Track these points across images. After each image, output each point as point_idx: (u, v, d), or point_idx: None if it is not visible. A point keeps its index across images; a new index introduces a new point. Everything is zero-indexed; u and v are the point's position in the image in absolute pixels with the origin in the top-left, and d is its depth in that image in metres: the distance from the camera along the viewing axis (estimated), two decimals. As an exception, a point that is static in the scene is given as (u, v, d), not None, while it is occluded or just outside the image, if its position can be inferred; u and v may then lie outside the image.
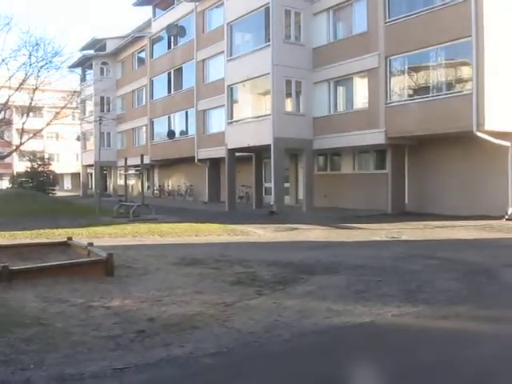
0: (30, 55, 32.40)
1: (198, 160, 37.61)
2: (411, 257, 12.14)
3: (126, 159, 29.62)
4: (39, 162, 50.95)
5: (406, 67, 23.56)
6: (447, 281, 9.36)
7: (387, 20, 23.68)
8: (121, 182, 48.71)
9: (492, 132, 19.99)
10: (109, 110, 50.33)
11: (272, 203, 26.55)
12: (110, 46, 51.94)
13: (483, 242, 15.12)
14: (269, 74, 26.61)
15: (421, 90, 23.18)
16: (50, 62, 33.21)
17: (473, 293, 8.62)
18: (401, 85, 23.98)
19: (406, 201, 24.85)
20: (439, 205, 23.13)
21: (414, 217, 22.08)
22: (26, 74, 32.64)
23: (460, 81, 21.86)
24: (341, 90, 27.56)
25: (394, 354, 5.75)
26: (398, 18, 23.18)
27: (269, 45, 26.73)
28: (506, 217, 20.41)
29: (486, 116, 19.70)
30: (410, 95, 23.54)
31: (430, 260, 11.61)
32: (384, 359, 5.55)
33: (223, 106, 30.86)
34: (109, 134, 53.04)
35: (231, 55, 29.65)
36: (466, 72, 21.31)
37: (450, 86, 21.96)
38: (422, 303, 7.68)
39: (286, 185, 29.67)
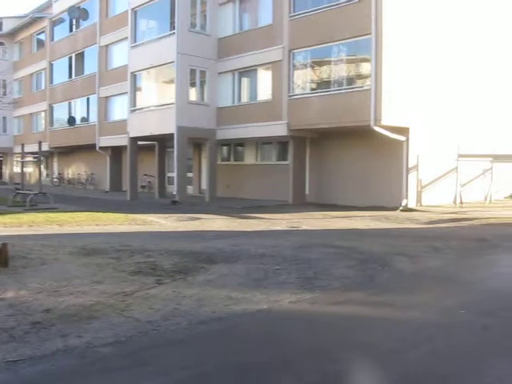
0: None
1: (100, 148, 36.72)
2: (310, 246, 12.44)
3: (22, 145, 28.49)
4: None
5: (309, 61, 24.04)
6: (343, 268, 9.68)
7: (292, 14, 24.06)
8: (17, 169, 46.68)
9: (388, 127, 20.84)
10: (5, 94, 47.96)
11: (175, 193, 26.38)
12: (7, 26, 49.58)
13: (379, 232, 15.72)
14: (173, 62, 26.36)
15: (323, 84, 23.73)
16: None
17: (367, 280, 8.96)
18: (304, 78, 24.46)
19: (307, 192, 25.47)
20: (339, 196, 23.87)
21: (314, 207, 22.65)
22: None
23: (360, 76, 22.55)
24: (245, 81, 27.75)
25: (289, 339, 5.87)
26: (303, 13, 23.60)
27: (174, 33, 26.46)
28: (401, 208, 21.38)
29: (383, 111, 20.50)
30: (312, 89, 24.04)
31: (328, 249, 11.94)
32: (278, 344, 5.67)
33: (126, 93, 30.24)
34: (4, 118, 50.74)
35: (135, 42, 29.11)
36: (365, 68, 22.01)
37: (350, 81, 22.61)
38: (318, 290, 7.93)
39: (190, 174, 29.57)
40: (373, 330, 6.17)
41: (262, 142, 28.24)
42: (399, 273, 9.72)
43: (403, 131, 21.46)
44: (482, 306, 7.38)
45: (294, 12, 24.02)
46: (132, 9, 29.10)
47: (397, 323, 6.51)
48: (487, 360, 5.24)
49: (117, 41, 34.26)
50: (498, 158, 24.44)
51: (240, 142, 29.21)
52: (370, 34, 20.78)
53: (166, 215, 19.74)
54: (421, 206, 22.44)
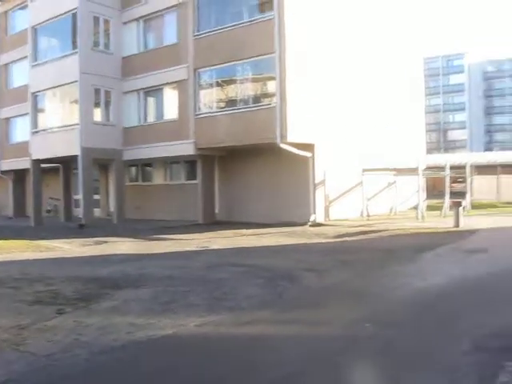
0: None
1: (2, 172, 35.05)
2: (220, 265, 12.31)
3: None
4: None
5: (215, 80, 24.04)
6: (253, 287, 9.61)
7: (196, 33, 24.00)
8: None
9: (294, 143, 21.12)
10: None
11: (81, 216, 25.55)
12: None
13: (288, 248, 15.83)
14: (76, 81, 25.62)
15: (229, 103, 23.79)
16: None
17: (275, 297, 8.93)
18: (210, 97, 24.44)
19: (217, 210, 25.33)
20: (249, 213, 23.86)
21: (224, 226, 22.54)
22: None
23: (266, 95, 22.78)
24: (151, 100, 27.40)
25: (189, 367, 5.69)
26: (207, 32, 23.61)
27: (76, 52, 25.77)
28: (309, 223, 21.67)
29: (288, 128, 20.75)
30: (219, 107, 24.04)
31: (238, 267, 11.85)
32: (177, 374, 5.48)
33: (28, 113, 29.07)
34: None
35: (36, 60, 28.09)
36: (271, 86, 22.26)
37: (256, 99, 22.79)
38: (225, 311, 7.79)
39: (97, 197, 28.73)
40: (278, 350, 6.09)
41: (170, 162, 27.90)
42: (307, 288, 9.76)
43: (309, 147, 21.84)
44: (387, 317, 7.51)
45: (198, 31, 23.97)
46: (32, 26, 28.11)
47: (303, 340, 6.47)
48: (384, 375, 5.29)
49: (17, 59, 32.87)
50: (400, 171, 25.35)
51: (148, 162, 28.73)
52: (274, 52, 21.05)
53: (72, 240, 19.04)
54: (329, 220, 22.86)
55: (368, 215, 23.68)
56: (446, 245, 15.27)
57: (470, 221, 21.42)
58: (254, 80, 23.06)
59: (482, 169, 41.70)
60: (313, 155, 22.07)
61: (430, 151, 64.61)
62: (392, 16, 28.30)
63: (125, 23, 27.32)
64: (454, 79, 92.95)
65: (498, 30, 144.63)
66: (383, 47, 27.15)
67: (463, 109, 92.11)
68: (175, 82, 25.11)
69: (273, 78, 21.66)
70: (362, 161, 23.80)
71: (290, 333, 6.81)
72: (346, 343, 6.31)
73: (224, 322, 7.28)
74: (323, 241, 17.28)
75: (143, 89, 26.69)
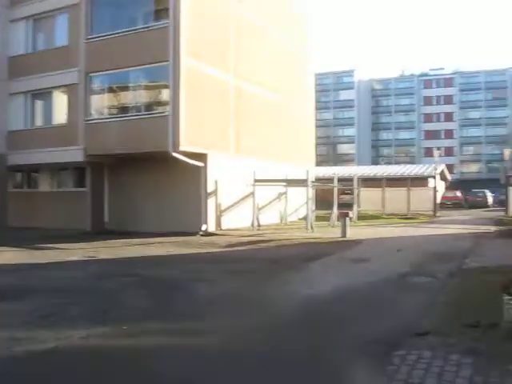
0: None
1: None
2: (107, 276, 12.01)
3: None
4: None
5: (107, 85, 23.55)
6: (140, 298, 9.47)
7: (89, 36, 23.37)
8: None
9: (187, 153, 21.02)
10: None
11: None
12: None
13: (179, 258, 15.70)
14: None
15: (121, 109, 23.35)
16: None
17: (163, 308, 8.83)
18: (102, 102, 23.89)
19: (106, 219, 24.69)
20: (140, 223, 23.45)
21: (113, 235, 21.98)
22: None
23: (159, 103, 22.55)
24: (39, 103, 26.37)
25: (70, 379, 5.52)
26: (100, 36, 23.04)
27: (-43, 49, 24.35)
28: (201, 233, 21.66)
29: (181, 138, 20.61)
30: (110, 113, 23.54)
31: (126, 278, 11.62)
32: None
33: None
34: None
35: None
36: (164, 94, 22.07)
37: (149, 107, 22.52)
38: (111, 323, 7.62)
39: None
40: (164, 362, 6.03)
41: (58, 168, 26.86)
42: (196, 298, 9.74)
43: (202, 157, 21.84)
44: (273, 325, 7.64)
45: (91, 34, 23.35)
46: None
47: (190, 351, 6.44)
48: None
49: None
50: (291, 182, 25.91)
51: (35, 168, 27.52)
52: (168, 60, 20.90)
53: None
54: (220, 230, 22.94)
55: (259, 225, 24.02)
56: (333, 254, 15.78)
57: (357, 231, 22.30)
58: (148, 87, 22.81)
59: (369, 181, 43.61)
60: (205, 165, 22.08)
61: (320, 163, 66.64)
62: (286, 31, 29.06)
63: (12, 21, 26.12)
64: (344, 95, 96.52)
65: (384, 50, 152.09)
66: (276, 60, 27.80)
67: (352, 124, 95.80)
68: (65, 85, 24.28)
69: (166, 87, 21.49)
70: (255, 171, 24.11)
71: (176, 344, 6.75)
72: (233, 352, 6.35)
73: (109, 334, 7.11)
74: (214, 250, 17.31)
75: (31, 91, 25.63)
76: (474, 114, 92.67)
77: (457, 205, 51.03)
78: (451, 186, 60.48)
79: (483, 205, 49.66)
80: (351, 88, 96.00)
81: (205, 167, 22.12)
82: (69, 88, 24.17)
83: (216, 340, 6.86)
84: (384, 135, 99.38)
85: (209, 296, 9.93)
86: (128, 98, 23.28)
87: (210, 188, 22.49)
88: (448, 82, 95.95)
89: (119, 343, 6.79)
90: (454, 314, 7.86)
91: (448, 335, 6.70)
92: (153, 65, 21.78)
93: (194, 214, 22.21)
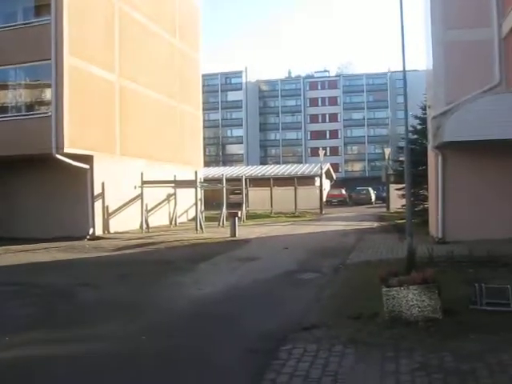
0: None
1: None
2: (-14, 285, 11.44)
3: None
4: None
5: (-16, 84, 22.35)
6: (25, 306, 9.13)
7: (-38, 32, 22.05)
8: None
9: (72, 155, 20.34)
10: None
11: None
12: None
13: (64, 263, 15.22)
14: None
15: (1, 109, 22.20)
16: None
17: (48, 316, 8.55)
18: (-21, 102, 22.62)
19: (-14, 225, 23.41)
20: (24, 228, 22.32)
21: (-7, 242, 20.86)
22: None
23: (41, 103, 21.69)
24: None
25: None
26: (-25, 31, 21.82)
27: None
28: (88, 237, 21.06)
29: (65, 139, 19.91)
30: (-11, 113, 22.35)
31: (7, 286, 11.13)
32: None
33: None
34: None
35: None
36: (47, 94, 21.24)
37: (31, 107, 21.61)
38: (-8, 334, 7.26)
39: None
40: (52, 372, 5.84)
41: None
42: (85, 304, 9.51)
43: (87, 159, 21.23)
44: (164, 328, 7.65)
45: (-36, 30, 22.05)
46: None
47: (80, 358, 6.29)
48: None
49: None
50: (179, 183, 25.81)
51: None
52: (50, 59, 20.14)
53: None
54: (109, 233, 22.44)
55: (148, 227, 23.71)
56: (222, 254, 15.92)
57: (246, 230, 22.62)
58: (29, 86, 21.91)
59: (257, 181, 44.34)
60: (91, 167, 21.48)
61: (209, 164, 66.89)
62: (174, 31, 28.94)
63: None
64: (232, 96, 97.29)
65: (272, 51, 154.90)
66: (164, 60, 27.62)
67: (240, 124, 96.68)
68: None
69: (49, 86, 20.71)
70: (142, 173, 23.80)
71: (64, 352, 6.54)
72: (124, 358, 6.28)
73: (-9, 345, 6.78)
74: (101, 254, 16.90)
75: None
76: (358, 115, 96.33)
77: (342, 202, 52.98)
78: (336, 184, 62.73)
79: (367, 202, 51.85)
80: (239, 89, 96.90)
81: (91, 169, 21.52)
82: None
83: (106, 346, 6.74)
84: (272, 135, 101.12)
85: (97, 301, 9.71)
86: (8, 97, 22.19)
87: (96, 191, 21.91)
88: (332, 84, 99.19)
89: (2, 355, 6.47)
90: (339, 307, 8.19)
91: (332, 327, 6.98)
92: (34, 63, 20.90)
93: (80, 218, 21.55)
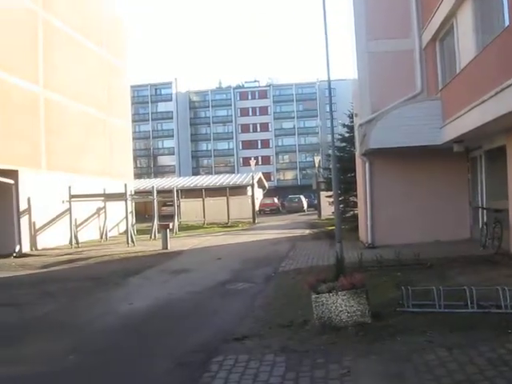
0: None
1: None
2: None
3: None
4: None
5: None
6: None
7: None
8: None
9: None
10: None
11: None
12: None
13: (-12, 283, 14.59)
14: None
15: None
16: None
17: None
18: None
19: None
20: None
21: None
22: None
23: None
24: None
25: None
26: None
27: None
28: (14, 254, 20.34)
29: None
30: None
31: None
32: None
33: None
34: None
35: None
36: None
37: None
38: None
39: None
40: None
41: None
42: (7, 325, 9.11)
43: (12, 173, 20.53)
44: (92, 346, 7.44)
45: None
46: None
47: (5, 382, 6.02)
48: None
49: None
50: (109, 197, 25.36)
51: None
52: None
53: None
54: (36, 250, 21.74)
55: (77, 242, 23.13)
56: (154, 267, 15.69)
57: (178, 242, 22.44)
58: None
59: (190, 192, 44.06)
60: (16, 182, 20.79)
61: (140, 176, 66.19)
62: (101, 42, 28.50)
63: None
64: (163, 107, 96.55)
65: (201, 62, 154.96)
66: (91, 71, 27.11)
67: (172, 135, 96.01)
68: None
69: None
70: (70, 187, 23.24)
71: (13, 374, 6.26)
72: (49, 378, 6.05)
73: None
74: (28, 272, 16.28)
75: None
76: (288, 124, 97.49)
77: (275, 211, 53.49)
78: (269, 193, 63.17)
79: (299, 209, 52.50)
80: (169, 100, 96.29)
81: (16, 184, 20.83)
82: None
83: (31, 367, 6.50)
84: (203, 146, 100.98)
85: (20, 321, 9.33)
86: None
87: (22, 206, 21.21)
88: (262, 93, 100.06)
89: None
90: (271, 315, 8.19)
91: (264, 337, 6.97)
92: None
93: (5, 235, 20.76)
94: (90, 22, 27.58)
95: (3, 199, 20.93)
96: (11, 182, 20.58)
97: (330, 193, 27.35)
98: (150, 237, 25.25)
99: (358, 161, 18.31)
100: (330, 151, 35.54)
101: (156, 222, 25.86)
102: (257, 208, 43.71)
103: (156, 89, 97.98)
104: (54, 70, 23.68)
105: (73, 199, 23.41)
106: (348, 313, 7.01)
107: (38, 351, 7.27)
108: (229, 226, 33.93)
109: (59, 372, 6.30)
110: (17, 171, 20.86)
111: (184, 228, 31.97)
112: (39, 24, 22.93)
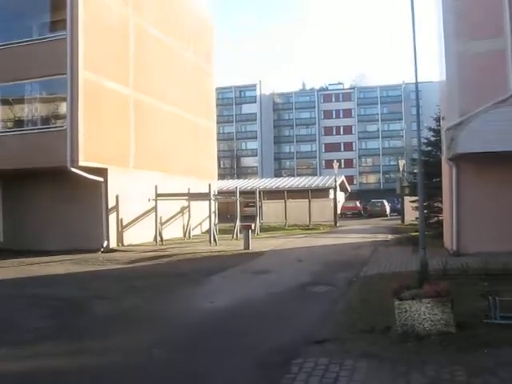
0: None
1: None
2: (1, 297, 11.51)
3: None
4: None
5: (1, 98, 22.53)
6: (38, 319, 9.15)
7: (-20, 47, 22.33)
8: None
9: (86, 168, 20.47)
10: None
11: None
12: None
13: (78, 276, 15.26)
14: None
15: (16, 123, 22.44)
16: None
17: (62, 328, 8.57)
18: (-4, 116, 22.84)
19: (1, 238, 23.54)
20: (38, 241, 22.44)
21: (10, 254, 20.81)
22: None
23: (56, 116, 21.88)
24: None
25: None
26: (-7, 47, 22.09)
27: None
28: (102, 249, 21.13)
29: (80, 152, 20.04)
30: (4, 127, 22.53)
31: (22, 298, 11.18)
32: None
33: None
34: None
35: None
36: (62, 108, 21.42)
37: (46, 120, 21.79)
38: (5, 345, 7.32)
39: None
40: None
41: None
42: (96, 317, 9.52)
43: (102, 172, 21.36)
44: (175, 341, 7.61)
45: (-17, 45, 22.34)
46: None
47: (89, 370, 6.30)
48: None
49: None
50: (193, 196, 25.89)
51: None
52: (65, 73, 20.34)
53: None
54: (122, 246, 22.51)
55: (162, 240, 23.75)
56: (235, 267, 15.88)
57: (259, 243, 22.55)
58: (45, 100, 22.11)
59: (272, 194, 44.32)
60: (105, 180, 21.61)
61: (223, 177, 67.10)
62: (188, 45, 29.15)
63: None
64: (247, 109, 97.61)
65: (286, 64, 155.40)
66: (178, 73, 27.79)
67: (255, 137, 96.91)
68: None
69: (64, 100, 20.88)
70: (156, 185, 23.93)
71: (75, 364, 6.56)
72: (133, 371, 6.25)
73: (5, 356, 6.84)
74: (115, 267, 16.94)
75: None
76: (372, 127, 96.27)
77: (356, 214, 52.80)
78: (351, 196, 62.57)
79: (382, 214, 51.59)
80: (253, 102, 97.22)
81: (105, 182, 21.65)
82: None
83: (116, 358, 6.75)
84: (286, 148, 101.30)
85: (110, 314, 9.71)
86: (24, 111, 22.43)
87: (110, 203, 22.02)
88: (346, 96, 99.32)
89: (13, 367, 6.51)
90: (352, 320, 8.12)
91: (344, 341, 6.92)
92: (49, 77, 21.08)
93: (94, 231, 21.63)
94: (178, 25, 28.28)
95: (93, 197, 21.81)
96: (101, 179, 21.40)
97: (414, 198, 26.78)
98: (232, 237, 25.55)
99: (445, 166, 17.80)
100: (415, 155, 34.50)
101: (238, 222, 26.15)
102: (338, 211, 43.34)
103: (240, 91, 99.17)
104: (144, 73, 24.45)
105: (158, 198, 24.07)
106: (431, 321, 6.85)
107: (123, 343, 7.55)
108: (310, 229, 33.82)
109: (143, 365, 6.50)
110: (106, 169, 21.68)
111: (265, 229, 32.16)
112: (130, 28, 23.74)
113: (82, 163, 20.15)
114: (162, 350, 7.01)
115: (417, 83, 10.18)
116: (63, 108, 21.21)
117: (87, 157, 20.39)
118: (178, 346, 7.37)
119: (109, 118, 21.95)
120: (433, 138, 25.19)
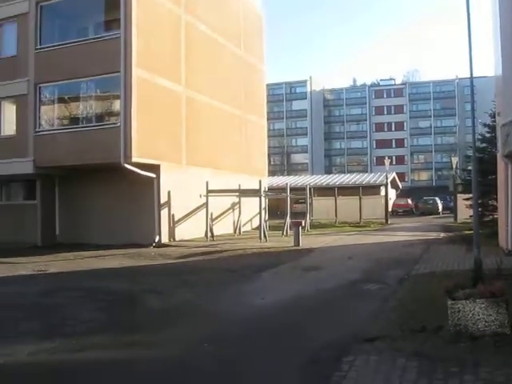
0: None
1: None
2: (58, 290, 11.86)
3: None
4: None
5: (58, 96, 23.15)
6: (92, 311, 9.38)
7: (38, 46, 22.95)
8: None
9: (139, 164, 20.86)
10: None
11: None
12: None
13: (131, 270, 15.55)
14: None
15: (72, 120, 23.02)
16: None
17: (115, 321, 8.77)
18: (52, 113, 23.45)
19: (58, 232, 24.21)
20: (92, 235, 23.09)
21: (65, 248, 21.54)
22: None
23: (110, 113, 22.36)
24: (-13, 114, 25.69)
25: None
26: (50, 46, 22.66)
27: None
28: (154, 244, 21.49)
29: (133, 149, 20.47)
30: (60, 124, 23.17)
31: (77, 292, 11.48)
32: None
33: None
34: None
35: None
36: (115, 105, 21.90)
37: (100, 117, 22.32)
38: (61, 337, 7.53)
39: None
40: (113, 375, 5.99)
41: (7, 181, 26.19)
42: (148, 310, 9.70)
43: (154, 168, 21.73)
44: (226, 336, 7.70)
45: (40, 45, 22.93)
46: None
47: (142, 362, 6.43)
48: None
49: None
50: (244, 192, 26.03)
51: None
52: (119, 71, 20.75)
53: None
54: (174, 241, 22.84)
55: (212, 235, 23.99)
56: (285, 263, 15.92)
57: (309, 240, 22.52)
58: (99, 98, 22.60)
59: (322, 190, 44.12)
60: (158, 176, 21.97)
61: (274, 173, 67.04)
62: (238, 41, 29.30)
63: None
64: (297, 105, 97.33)
65: (336, 60, 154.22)
66: (228, 70, 27.97)
67: (305, 133, 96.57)
68: (14, 96, 23.73)
69: (117, 97, 21.32)
70: (207, 182, 24.18)
71: (127, 357, 6.71)
72: (184, 364, 6.36)
73: (59, 348, 7.03)
74: (167, 262, 17.22)
75: (-22, 102, 24.97)
76: (424, 124, 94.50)
77: (408, 212, 52.05)
78: (402, 193, 61.64)
79: (434, 211, 50.70)
80: (304, 98, 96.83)
81: (157, 178, 22.02)
82: (18, 99, 23.63)
83: (168, 352, 6.86)
84: (337, 144, 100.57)
85: (161, 307, 9.89)
86: (79, 108, 22.98)
87: (162, 199, 22.37)
88: (398, 92, 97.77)
89: (69, 358, 6.71)
90: (403, 319, 8.03)
91: (395, 340, 6.85)
92: (104, 76, 21.57)
93: (146, 226, 22.03)
94: (229, 22, 28.47)
95: (146, 192, 22.20)
96: (153, 175, 21.77)
97: (467, 195, 26.22)
98: (282, 233, 25.57)
99: (500, 163, 17.36)
100: (469, 152, 33.60)
101: (288, 218, 26.16)
102: (390, 208, 42.83)
103: (291, 87, 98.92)
104: (195, 70, 24.71)
105: (209, 194, 24.31)
106: (486, 322, 6.72)
107: (175, 337, 7.67)
108: (360, 226, 33.57)
109: (194, 359, 6.59)
110: (159, 166, 22.04)
111: (315, 226, 32.07)
112: (182, 26, 24.02)
113: (135, 159, 20.55)
114: (212, 345, 7.10)
115: (472, 78, 9.97)
116: (117, 105, 21.65)
117: (140, 153, 20.78)
118: (230, 340, 7.44)
119: (161, 115, 22.29)
120: (488, 135, 24.59)
